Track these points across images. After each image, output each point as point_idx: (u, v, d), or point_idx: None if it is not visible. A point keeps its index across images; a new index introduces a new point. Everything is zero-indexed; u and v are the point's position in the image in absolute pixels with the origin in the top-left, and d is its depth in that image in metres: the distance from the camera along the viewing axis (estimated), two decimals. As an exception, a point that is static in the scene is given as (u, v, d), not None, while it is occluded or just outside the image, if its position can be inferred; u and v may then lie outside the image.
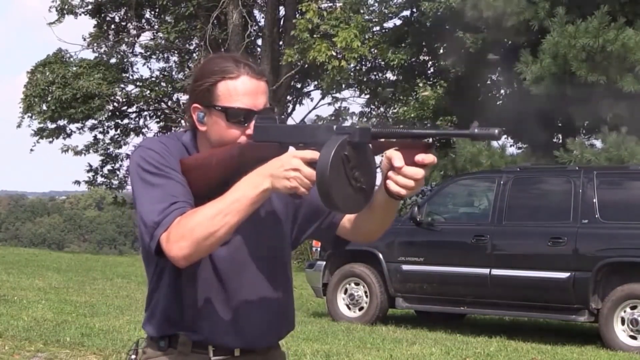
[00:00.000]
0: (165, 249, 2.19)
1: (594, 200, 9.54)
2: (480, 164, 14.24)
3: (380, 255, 10.57)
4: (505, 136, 18.85)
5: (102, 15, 25.01)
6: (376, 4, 21.63)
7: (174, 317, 2.35)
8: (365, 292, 10.69)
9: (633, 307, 9.16)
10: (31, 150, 25.06)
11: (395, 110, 22.03)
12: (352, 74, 21.83)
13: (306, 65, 20.97)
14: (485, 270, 9.92)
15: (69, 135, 24.90)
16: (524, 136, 17.83)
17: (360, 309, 10.74)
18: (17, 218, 78.71)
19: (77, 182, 26.31)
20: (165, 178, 2.25)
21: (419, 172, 2.09)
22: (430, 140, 2.11)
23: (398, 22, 21.40)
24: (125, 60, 25.53)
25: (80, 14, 24.47)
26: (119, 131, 26.11)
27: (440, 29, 18.30)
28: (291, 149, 2.21)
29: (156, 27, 25.52)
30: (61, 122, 24.40)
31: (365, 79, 22.53)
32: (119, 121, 26.08)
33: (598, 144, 14.66)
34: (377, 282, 10.59)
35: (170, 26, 23.78)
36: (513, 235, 10.05)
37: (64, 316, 9.26)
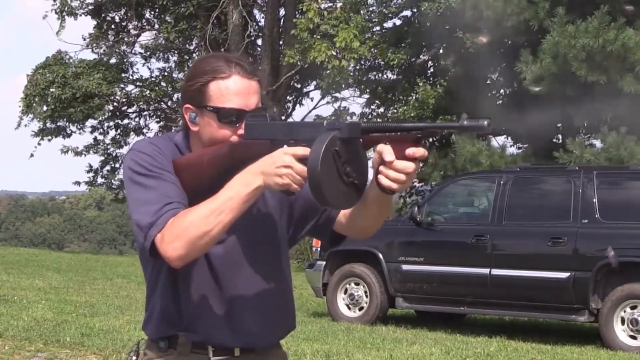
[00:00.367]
0: (159, 249, 2.19)
1: (594, 200, 9.54)
2: (480, 164, 14.24)
3: (380, 255, 10.57)
4: (505, 136, 18.88)
5: (102, 15, 25.00)
6: (376, 4, 21.63)
7: (172, 318, 2.35)
8: (365, 292, 10.69)
9: (633, 307, 9.16)
10: (31, 155, 25.07)
11: (395, 110, 22.03)
12: (352, 74, 21.82)
13: (306, 65, 20.96)
14: (485, 270, 9.92)
15: (69, 136, 24.91)
16: (524, 136, 17.84)
17: (360, 309, 10.74)
18: (17, 218, 78.70)
19: (77, 183, 26.34)
20: (158, 179, 2.26)
21: (410, 166, 2.10)
22: (420, 133, 2.11)
23: (398, 22, 21.42)
24: (125, 60, 25.53)
25: (80, 15, 24.45)
26: (119, 131, 26.12)
27: (440, 29, 18.29)
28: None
29: (156, 27, 25.52)
30: (61, 123, 24.39)
31: (365, 79, 22.53)
32: (119, 121, 26.09)
33: (598, 144, 14.67)
34: (377, 282, 10.59)
35: (170, 26, 23.78)
36: (513, 235, 10.05)
37: (64, 316, 9.26)
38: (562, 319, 10.02)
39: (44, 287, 12.53)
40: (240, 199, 2.15)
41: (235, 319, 2.34)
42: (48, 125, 24.36)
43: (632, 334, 9.15)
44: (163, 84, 25.51)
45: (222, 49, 21.87)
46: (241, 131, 2.29)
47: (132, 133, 26.09)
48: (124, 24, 25.61)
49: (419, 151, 2.09)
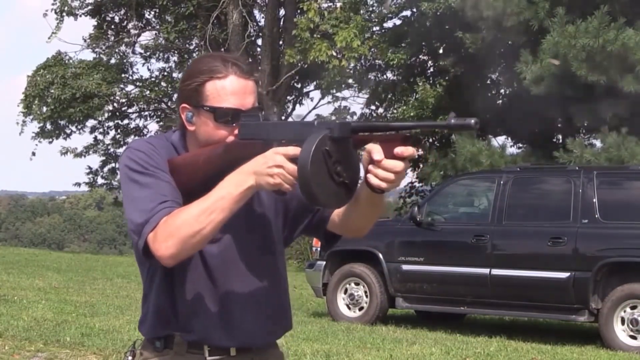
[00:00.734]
0: (152, 248, 2.20)
1: (594, 200, 9.54)
2: (480, 163, 14.24)
3: (380, 255, 10.57)
4: (505, 136, 18.88)
5: (102, 15, 24.99)
6: (376, 4, 21.64)
7: (168, 318, 2.36)
8: (365, 292, 10.69)
9: (633, 307, 9.16)
10: (33, 153, 25.17)
11: (395, 110, 22.04)
12: (352, 73, 21.83)
13: (306, 65, 20.97)
14: (485, 270, 9.92)
15: (68, 136, 24.91)
16: (524, 136, 17.84)
17: (360, 309, 10.74)
18: (17, 218, 78.70)
19: (78, 184, 26.35)
20: (153, 178, 2.26)
21: (399, 165, 2.10)
22: (409, 132, 2.12)
23: (398, 22, 21.42)
24: (125, 60, 25.53)
25: (80, 15, 24.46)
26: (119, 132, 26.12)
27: (440, 28, 18.30)
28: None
29: (156, 27, 25.51)
30: (61, 123, 24.39)
31: (365, 79, 22.54)
32: (119, 121, 26.10)
33: (598, 144, 14.66)
34: (377, 282, 10.59)
35: (170, 26, 23.78)
36: (513, 235, 10.05)
37: (64, 316, 9.26)
38: (562, 319, 10.02)
39: (44, 287, 12.53)
40: (231, 199, 2.16)
41: (230, 318, 2.35)
42: (48, 126, 24.37)
43: (632, 334, 9.15)
44: (163, 84, 25.52)
45: (222, 49, 21.87)
46: (237, 131, 2.30)
47: (132, 133, 26.09)
48: (123, 24, 25.61)
49: (408, 150, 2.10)
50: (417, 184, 22.14)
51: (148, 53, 25.82)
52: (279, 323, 2.46)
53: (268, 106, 22.39)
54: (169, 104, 25.86)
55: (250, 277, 2.37)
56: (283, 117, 22.37)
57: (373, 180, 2.12)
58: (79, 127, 24.95)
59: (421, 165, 20.45)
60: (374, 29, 21.72)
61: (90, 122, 25.20)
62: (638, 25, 13.09)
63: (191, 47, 25.55)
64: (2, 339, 7.81)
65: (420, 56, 21.13)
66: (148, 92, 25.14)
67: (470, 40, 16.20)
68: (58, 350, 7.49)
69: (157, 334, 2.38)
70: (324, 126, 2.11)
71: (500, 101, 19.27)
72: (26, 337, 7.91)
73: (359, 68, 22.06)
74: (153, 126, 26.60)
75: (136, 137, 25.94)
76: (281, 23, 23.55)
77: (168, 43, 24.47)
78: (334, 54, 19.69)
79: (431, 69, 21.54)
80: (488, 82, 19.30)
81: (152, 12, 25.66)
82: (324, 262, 10.95)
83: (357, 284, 10.76)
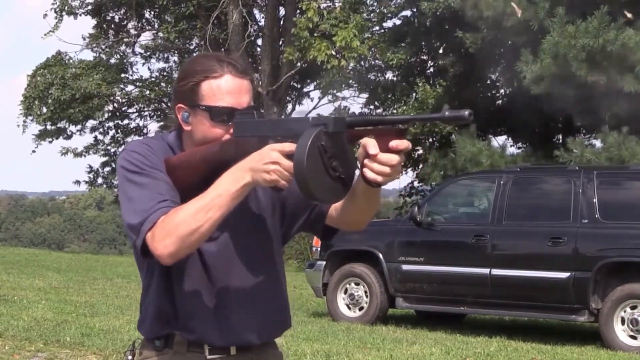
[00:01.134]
0: (151, 247, 2.21)
1: (594, 200, 9.54)
2: (480, 163, 14.24)
3: (380, 255, 10.57)
4: (505, 136, 18.88)
5: (102, 15, 24.99)
6: (375, 4, 21.62)
7: (167, 317, 2.36)
8: (365, 292, 10.69)
9: (633, 307, 9.16)
10: (33, 151, 25.23)
11: (395, 111, 22.03)
12: (351, 73, 21.82)
13: (306, 65, 20.96)
14: (485, 270, 9.92)
15: (69, 137, 24.92)
16: (524, 136, 17.84)
17: (360, 309, 10.74)
18: (17, 218, 78.70)
19: (77, 182, 26.36)
20: (150, 178, 2.27)
21: (394, 158, 2.11)
22: (404, 126, 2.13)
23: (398, 22, 21.40)
24: (125, 60, 25.53)
25: (80, 14, 24.45)
26: (119, 131, 26.13)
27: (439, 28, 18.29)
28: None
29: (156, 27, 25.50)
30: (61, 124, 24.39)
31: (364, 79, 22.53)
32: (119, 122, 26.11)
33: (598, 143, 14.66)
34: (377, 282, 10.58)
35: (170, 26, 23.77)
36: (513, 235, 10.05)
37: (64, 316, 9.26)
38: (562, 319, 10.02)
39: (44, 287, 12.53)
40: (229, 196, 2.17)
41: (228, 317, 2.35)
42: (48, 127, 24.38)
43: (632, 334, 9.15)
44: (163, 84, 25.51)
45: (222, 49, 21.86)
46: (232, 130, 2.31)
47: (132, 133, 26.09)
48: (123, 23, 25.61)
49: (403, 143, 2.11)
50: (417, 184, 22.13)
51: (148, 53, 25.82)
52: (277, 321, 2.46)
53: (268, 106, 22.38)
54: (168, 104, 25.84)
55: (248, 275, 2.38)
56: (283, 117, 22.34)
57: (369, 174, 2.13)
58: (80, 128, 24.97)
59: (421, 165, 20.46)
60: (374, 28, 21.71)
61: (90, 123, 25.22)
62: (638, 25, 13.08)
63: (191, 47, 25.54)
64: (2, 339, 7.82)
65: (420, 56, 21.11)
66: (148, 92, 25.13)
67: (470, 40, 16.19)
68: (58, 350, 7.49)
69: (156, 333, 2.38)
70: (319, 122, 2.12)
71: (500, 101, 19.27)
72: (26, 337, 7.91)
73: (359, 68, 22.05)
74: (153, 126, 26.64)
75: (136, 137, 25.96)
76: (281, 23, 23.54)
77: (168, 43, 24.47)
78: (333, 53, 19.68)
79: (431, 69, 21.53)
80: (488, 82, 19.29)
81: (152, 12, 25.65)
82: (324, 262, 10.95)
83: (357, 284, 10.76)
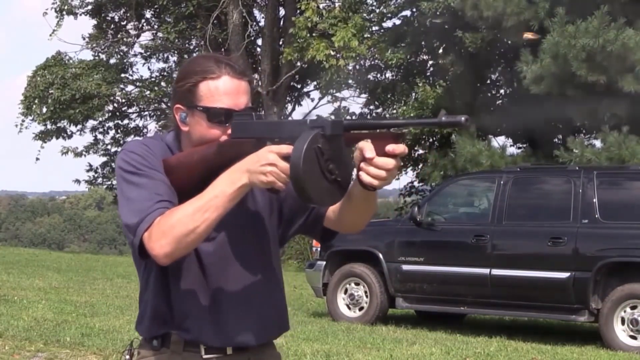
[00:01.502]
0: (147, 247, 2.22)
1: (594, 200, 9.54)
2: (480, 164, 14.24)
3: (380, 255, 10.57)
4: (505, 136, 18.89)
5: (102, 15, 24.99)
6: (375, 3, 21.61)
7: (164, 316, 2.37)
8: (365, 292, 10.69)
9: (633, 307, 9.16)
10: (37, 159, 25.53)
11: (394, 111, 22.03)
12: (350, 73, 21.81)
13: (305, 65, 20.95)
14: (485, 270, 9.92)
15: (69, 137, 24.92)
16: (524, 136, 17.84)
17: (360, 309, 10.74)
18: (17, 218, 78.70)
19: (77, 181, 26.36)
20: (147, 178, 2.28)
21: (390, 162, 2.12)
22: (401, 130, 2.14)
23: (397, 22, 21.40)
24: (124, 60, 25.53)
25: (80, 14, 24.46)
26: (119, 131, 26.13)
27: (439, 28, 18.29)
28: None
29: (156, 27, 25.50)
30: (61, 124, 24.40)
31: (364, 79, 22.52)
32: (119, 122, 26.11)
33: (598, 143, 14.66)
34: (377, 282, 10.58)
35: (170, 26, 23.76)
36: (513, 235, 10.05)
37: (64, 316, 9.27)
38: (562, 319, 10.02)
39: (44, 287, 12.53)
40: (225, 197, 2.18)
41: (224, 317, 2.36)
42: (48, 126, 24.39)
43: (632, 334, 9.14)
44: (163, 84, 25.51)
45: (222, 49, 21.86)
46: (230, 131, 2.31)
47: (132, 133, 26.09)
48: (123, 23, 25.61)
49: (399, 148, 2.12)
50: (417, 184, 22.14)
51: (148, 53, 25.82)
52: (274, 323, 2.46)
53: (268, 106, 22.38)
54: (168, 104, 25.82)
55: (245, 276, 2.38)
56: (283, 117, 22.36)
57: (365, 177, 2.14)
58: (80, 128, 24.97)
59: (421, 165, 20.46)
60: (373, 28, 21.69)
61: (90, 123, 25.23)
62: (638, 25, 13.08)
63: (191, 47, 25.54)
64: (2, 339, 7.82)
65: (420, 56, 21.11)
66: (148, 92, 25.13)
67: (470, 40, 16.20)
68: (58, 350, 7.49)
69: (154, 333, 2.39)
70: (316, 124, 2.13)
71: (500, 101, 19.27)
72: (26, 337, 7.91)
73: (358, 68, 22.04)
74: (153, 126, 26.64)
75: (135, 137, 25.96)
76: (281, 23, 23.54)
77: (168, 43, 24.46)
78: (332, 53, 19.66)
79: (431, 69, 21.53)
80: (488, 82, 19.29)
81: (152, 12, 25.64)
82: (324, 262, 10.95)
83: (357, 284, 10.76)
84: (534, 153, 15.81)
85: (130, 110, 26.22)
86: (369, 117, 22.65)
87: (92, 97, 23.57)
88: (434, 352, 8.24)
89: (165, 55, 26.14)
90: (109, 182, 26.38)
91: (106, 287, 13.33)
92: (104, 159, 26.09)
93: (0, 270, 14.65)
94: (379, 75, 22.63)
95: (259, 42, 24.10)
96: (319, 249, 11.29)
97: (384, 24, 21.72)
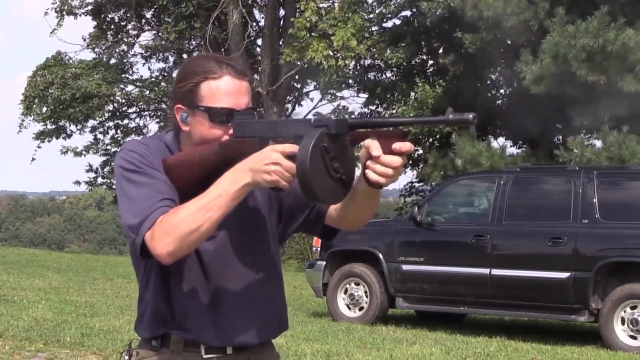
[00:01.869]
0: (149, 246, 2.21)
1: (594, 200, 9.54)
2: (480, 164, 14.24)
3: (380, 255, 10.57)
4: (504, 137, 18.88)
5: (102, 15, 25.00)
6: (375, 4, 21.60)
7: (164, 316, 2.36)
8: (365, 292, 10.69)
9: (633, 307, 9.16)
10: (32, 159, 25.18)
11: (394, 111, 22.02)
12: (350, 73, 21.80)
13: (305, 65, 20.95)
14: (485, 270, 9.92)
15: (69, 136, 24.93)
16: (524, 136, 17.83)
17: (360, 309, 10.74)
18: (17, 218, 78.69)
19: (77, 183, 26.38)
20: (148, 177, 2.28)
21: (397, 160, 2.13)
22: (407, 128, 2.15)
23: (397, 22, 21.39)
24: (125, 60, 25.54)
25: (80, 15, 24.47)
26: (119, 131, 26.14)
27: (439, 28, 18.29)
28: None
29: (156, 27, 25.50)
30: (61, 123, 24.40)
31: (364, 79, 22.52)
32: (119, 121, 26.12)
33: (598, 143, 14.66)
34: (377, 282, 10.58)
35: (170, 26, 23.76)
36: (513, 235, 10.05)
37: (64, 316, 9.27)
38: (562, 319, 10.02)
39: (44, 287, 12.53)
40: (228, 196, 2.18)
41: (224, 317, 2.35)
42: (48, 126, 24.40)
43: (632, 334, 9.15)
44: (163, 84, 25.51)
45: (222, 49, 21.88)
46: (232, 131, 2.31)
47: (132, 133, 26.10)
48: (123, 24, 25.61)
49: (406, 145, 2.12)
50: (417, 184, 22.13)
51: (148, 53, 25.82)
52: (273, 322, 2.46)
53: (268, 106, 22.39)
54: (168, 103, 25.81)
55: (245, 275, 2.38)
56: (283, 117, 22.35)
57: (372, 175, 2.14)
58: (80, 127, 24.97)
59: (421, 165, 20.45)
60: (373, 28, 21.68)
61: (91, 122, 25.23)
62: (638, 25, 13.08)
63: (191, 47, 25.55)
64: (2, 339, 7.82)
65: (420, 56, 21.10)
66: (148, 92, 25.14)
67: (469, 40, 16.19)
68: (58, 350, 7.49)
69: (153, 333, 2.38)
70: (321, 123, 2.13)
71: (500, 101, 19.27)
72: (26, 337, 7.91)
73: (357, 68, 22.03)
74: (153, 126, 26.64)
75: (135, 137, 25.96)
76: (281, 23, 23.54)
77: (168, 43, 24.46)
78: (330, 53, 19.65)
79: (430, 69, 21.52)
80: (488, 82, 19.29)
81: (152, 12, 25.64)
82: (324, 262, 10.95)
83: (357, 284, 10.76)
84: (534, 153, 15.81)
85: (130, 110, 26.23)
86: (368, 117, 22.65)
87: (92, 97, 23.58)
88: (434, 352, 8.24)
89: (165, 55, 26.16)
90: (109, 182, 26.38)
91: (106, 287, 13.33)
92: (104, 158, 26.09)
93: (0, 270, 14.65)
94: (378, 75, 22.62)
95: (259, 42, 24.11)
96: (319, 249, 11.29)
97: (384, 24, 21.71)
